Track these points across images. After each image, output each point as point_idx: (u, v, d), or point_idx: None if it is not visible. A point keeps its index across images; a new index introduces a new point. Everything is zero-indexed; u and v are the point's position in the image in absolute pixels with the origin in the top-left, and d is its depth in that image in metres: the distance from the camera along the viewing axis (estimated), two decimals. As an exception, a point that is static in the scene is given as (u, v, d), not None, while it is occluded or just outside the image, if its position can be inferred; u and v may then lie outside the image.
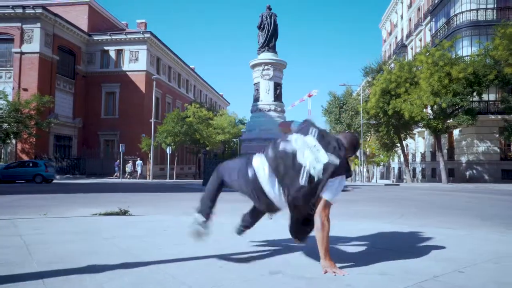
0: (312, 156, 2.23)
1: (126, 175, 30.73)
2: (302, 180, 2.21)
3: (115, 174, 30.97)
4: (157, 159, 35.79)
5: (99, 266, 2.37)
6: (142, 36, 35.59)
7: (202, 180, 20.16)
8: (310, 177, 2.22)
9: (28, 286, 1.97)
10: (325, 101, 41.89)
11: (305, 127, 2.41)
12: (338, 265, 2.32)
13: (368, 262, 2.55)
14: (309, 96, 47.93)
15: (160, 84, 38.35)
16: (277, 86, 18.52)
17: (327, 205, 2.27)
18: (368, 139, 38.77)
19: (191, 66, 49.30)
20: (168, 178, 32.68)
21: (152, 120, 30.41)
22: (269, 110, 18.14)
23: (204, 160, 18.49)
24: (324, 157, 2.22)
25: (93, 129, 35.20)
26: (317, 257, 2.39)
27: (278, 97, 18.47)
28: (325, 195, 2.25)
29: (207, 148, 34.06)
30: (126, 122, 34.77)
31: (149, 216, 5.27)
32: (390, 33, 47.06)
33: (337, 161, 2.22)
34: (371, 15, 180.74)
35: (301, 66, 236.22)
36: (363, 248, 3.13)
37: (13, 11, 30.96)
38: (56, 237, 3.47)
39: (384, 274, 2.26)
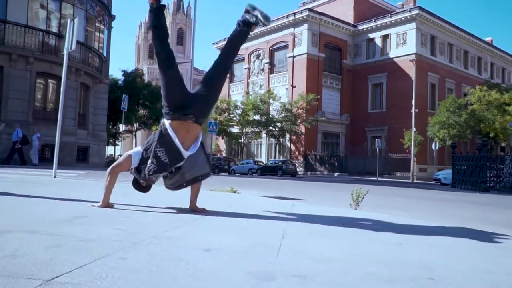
0: None
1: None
2: None
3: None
4: (425, 158, 29.96)
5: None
6: (409, 14, 30.64)
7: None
8: None
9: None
10: None
11: None
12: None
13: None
14: None
15: (435, 68, 32.06)
16: None
17: None
18: None
19: (486, 39, 38.90)
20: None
21: (413, 110, 25.67)
22: None
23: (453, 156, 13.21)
24: None
25: (360, 125, 33.46)
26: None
27: None
28: None
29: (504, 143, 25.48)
30: (393, 115, 30.95)
31: None
32: None
33: None
34: None
35: None
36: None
37: (287, 19, 33.66)
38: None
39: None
